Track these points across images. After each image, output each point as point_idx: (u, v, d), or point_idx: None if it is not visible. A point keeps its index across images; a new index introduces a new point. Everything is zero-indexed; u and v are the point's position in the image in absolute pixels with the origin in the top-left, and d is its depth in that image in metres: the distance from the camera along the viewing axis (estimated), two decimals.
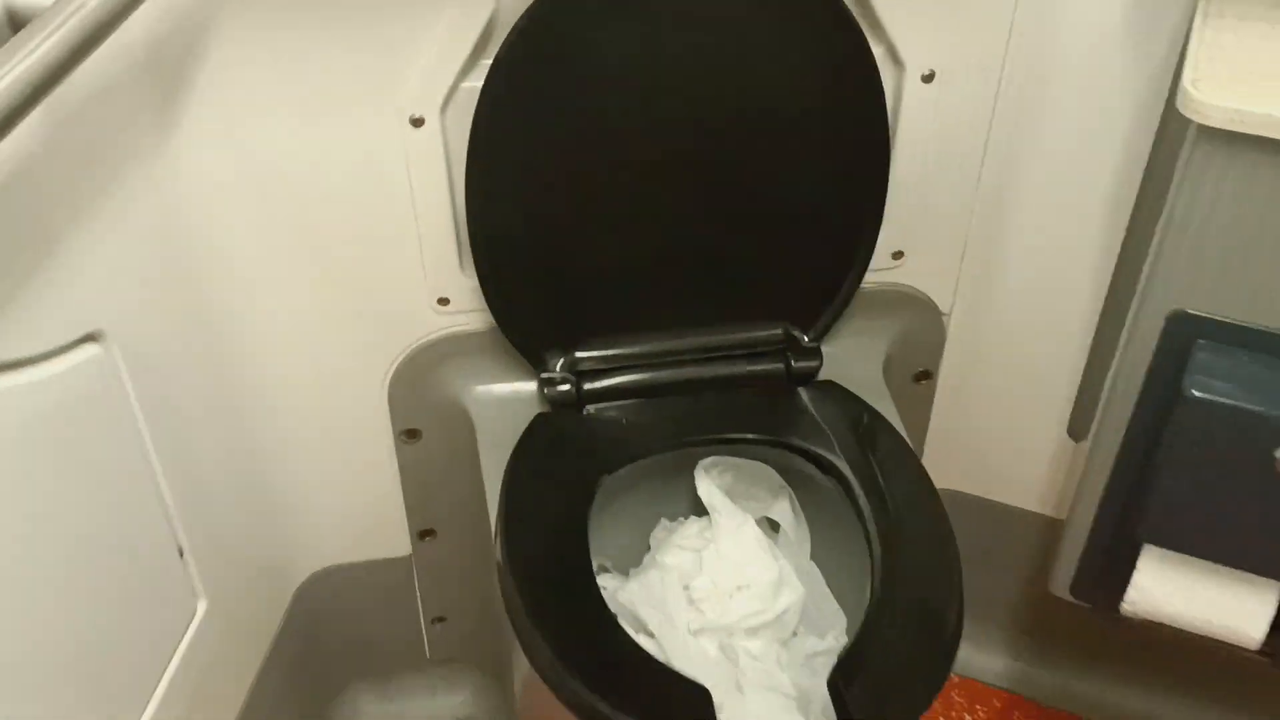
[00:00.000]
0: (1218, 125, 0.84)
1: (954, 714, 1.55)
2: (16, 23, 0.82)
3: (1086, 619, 1.49)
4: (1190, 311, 0.94)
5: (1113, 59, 1.07)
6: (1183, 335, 0.95)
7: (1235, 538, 0.99)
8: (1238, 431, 0.91)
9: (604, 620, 1.04)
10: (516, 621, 1.05)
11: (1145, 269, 0.96)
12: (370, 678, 1.52)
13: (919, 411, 1.39)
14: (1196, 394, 0.92)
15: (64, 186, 0.87)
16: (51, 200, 0.86)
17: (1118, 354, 1.02)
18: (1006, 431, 1.39)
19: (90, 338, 0.92)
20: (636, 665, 1.01)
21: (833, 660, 1.00)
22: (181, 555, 1.11)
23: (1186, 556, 1.04)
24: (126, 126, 0.95)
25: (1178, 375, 0.94)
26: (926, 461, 1.40)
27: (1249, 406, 0.90)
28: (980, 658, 1.58)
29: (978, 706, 1.56)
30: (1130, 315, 0.99)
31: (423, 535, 1.39)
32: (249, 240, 1.09)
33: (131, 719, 1.03)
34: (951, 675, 1.57)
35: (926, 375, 1.37)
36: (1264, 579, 1.03)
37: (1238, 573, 1.03)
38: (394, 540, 1.39)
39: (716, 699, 0.96)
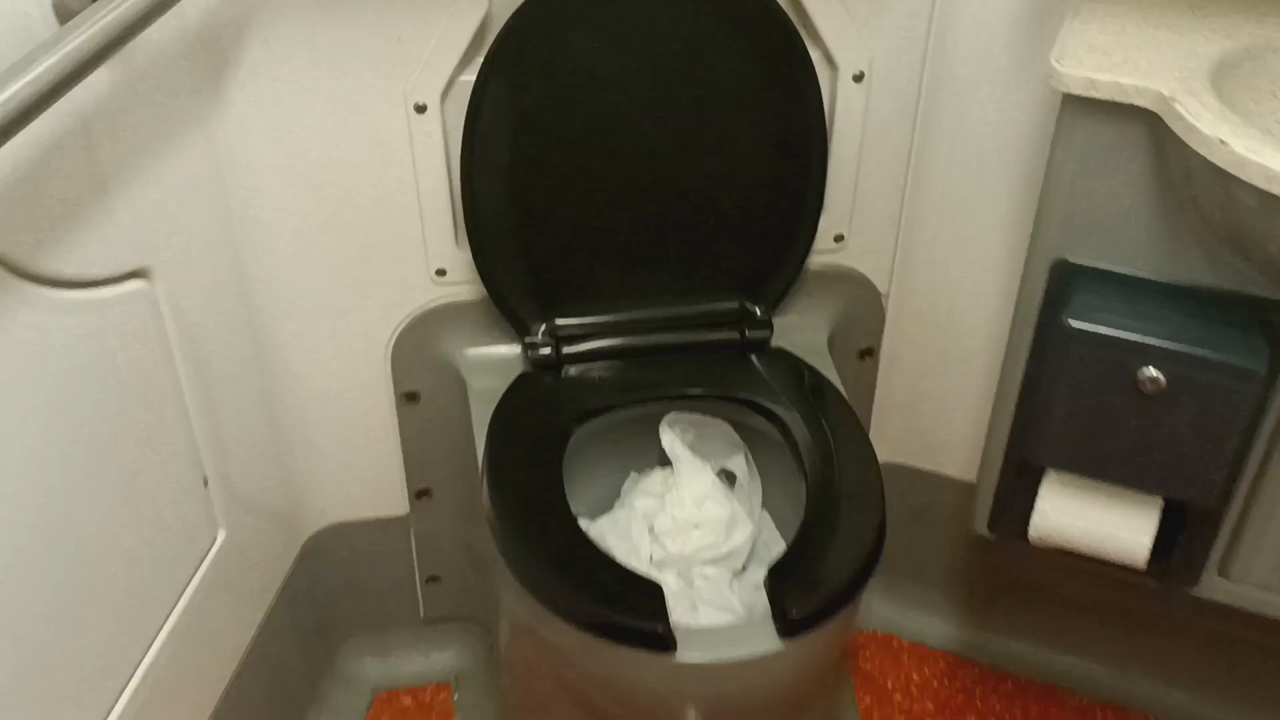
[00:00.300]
0: (1077, 93, 1.02)
1: (900, 675, 1.69)
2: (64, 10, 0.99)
3: (1023, 586, 1.65)
4: (1069, 260, 1.12)
5: (1014, 56, 1.25)
6: (1064, 280, 1.12)
7: (1114, 456, 1.14)
8: (1107, 354, 1.08)
9: (574, 535, 1.20)
10: (500, 541, 1.21)
11: (1033, 224, 1.13)
12: (368, 634, 1.66)
13: (864, 387, 1.55)
14: (1074, 324, 1.09)
15: (128, 136, 1.05)
16: (117, 146, 1.03)
17: (1015, 302, 1.19)
18: (944, 405, 1.54)
19: (138, 274, 1.09)
20: (600, 567, 1.17)
21: None
22: (205, 485, 1.27)
23: (1081, 481, 1.20)
24: (184, 94, 1.13)
25: (1060, 312, 1.11)
26: (873, 435, 1.57)
27: (1115, 333, 1.07)
28: (924, 623, 1.72)
29: (924, 667, 1.70)
30: (1024, 266, 1.16)
31: (419, 495, 1.54)
32: (275, 208, 1.27)
33: (148, 635, 1.18)
34: (898, 639, 1.73)
35: (869, 353, 1.53)
36: (1146, 496, 1.19)
37: (1123, 492, 1.19)
38: (393, 500, 1.54)
39: (671, 606, 1.11)
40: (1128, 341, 1.07)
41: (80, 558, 1.05)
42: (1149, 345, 1.06)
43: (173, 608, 1.22)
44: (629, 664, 1.13)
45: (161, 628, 1.20)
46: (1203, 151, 0.94)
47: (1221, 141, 0.92)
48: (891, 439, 1.60)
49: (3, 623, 0.95)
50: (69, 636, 1.04)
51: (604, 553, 1.19)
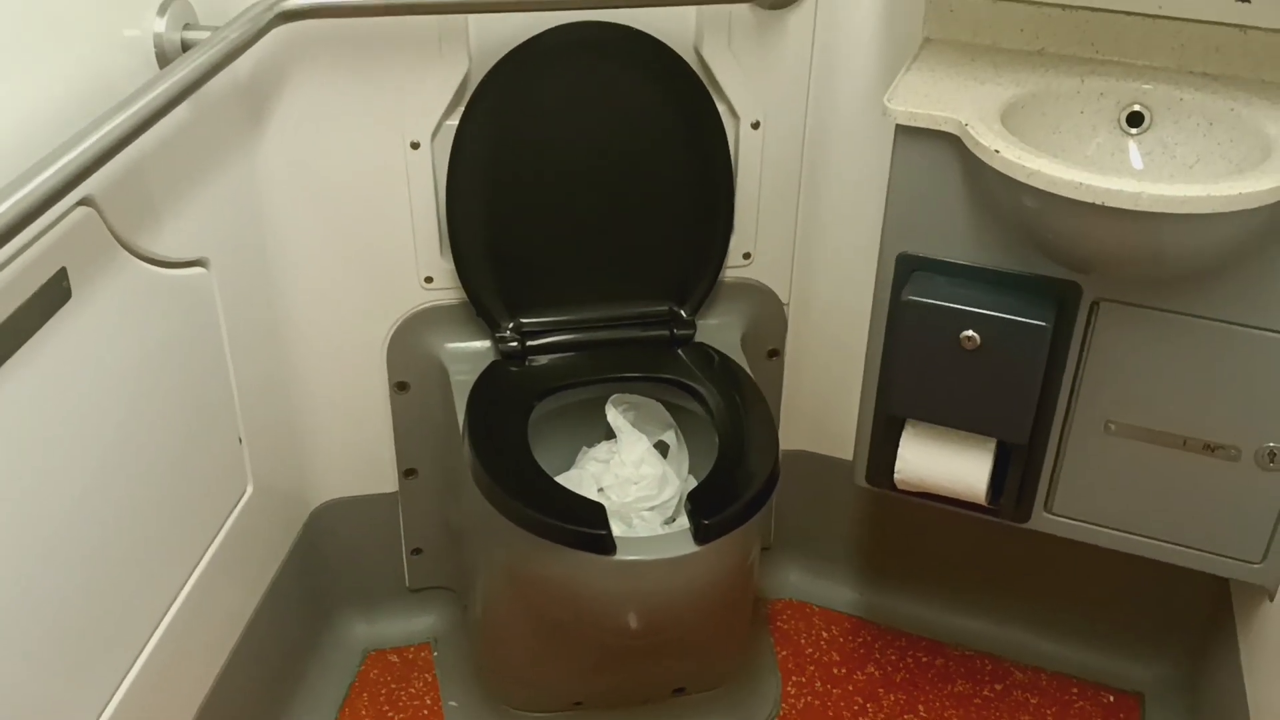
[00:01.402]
0: (903, 123, 1.39)
1: (812, 634, 2.00)
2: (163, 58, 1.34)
3: (913, 556, 1.98)
4: (909, 252, 1.48)
5: (872, 103, 1.62)
6: (905, 268, 1.48)
7: (949, 403, 1.48)
8: (936, 320, 1.43)
9: (536, 473, 1.52)
10: (479, 480, 1.52)
11: (881, 225, 1.49)
12: (360, 599, 1.95)
13: (773, 383, 1.89)
14: (910, 298, 1.44)
15: (195, 155, 1.39)
16: (187, 161, 1.38)
17: (873, 290, 1.54)
18: (841, 396, 1.87)
19: (199, 262, 1.43)
20: (557, 493, 1.49)
21: None
22: (240, 442, 1.58)
23: (930, 430, 1.54)
24: (234, 127, 1.48)
25: (901, 292, 1.46)
26: (781, 426, 1.90)
27: (940, 303, 1.42)
28: (830, 590, 2.04)
29: (832, 627, 2.01)
30: (878, 260, 1.51)
31: (407, 474, 1.86)
32: (296, 223, 1.60)
33: (183, 572, 1.45)
34: (809, 605, 2.04)
35: (776, 353, 1.88)
36: (982, 439, 1.52)
37: (963, 437, 1.53)
38: (385, 478, 1.85)
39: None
40: (950, 309, 1.42)
41: (137, 489, 1.33)
42: (966, 311, 1.41)
43: (208, 546, 1.51)
44: (579, 566, 1.44)
45: (196, 565, 1.48)
46: (985, 159, 1.30)
47: (996, 151, 1.29)
48: (798, 429, 1.93)
49: (66, 550, 1.19)
50: (121, 561, 1.30)
51: (558, 483, 1.51)
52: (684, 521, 1.51)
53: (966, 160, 1.38)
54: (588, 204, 1.67)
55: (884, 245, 1.49)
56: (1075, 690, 1.89)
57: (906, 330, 1.46)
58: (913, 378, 1.49)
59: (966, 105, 1.38)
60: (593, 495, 1.68)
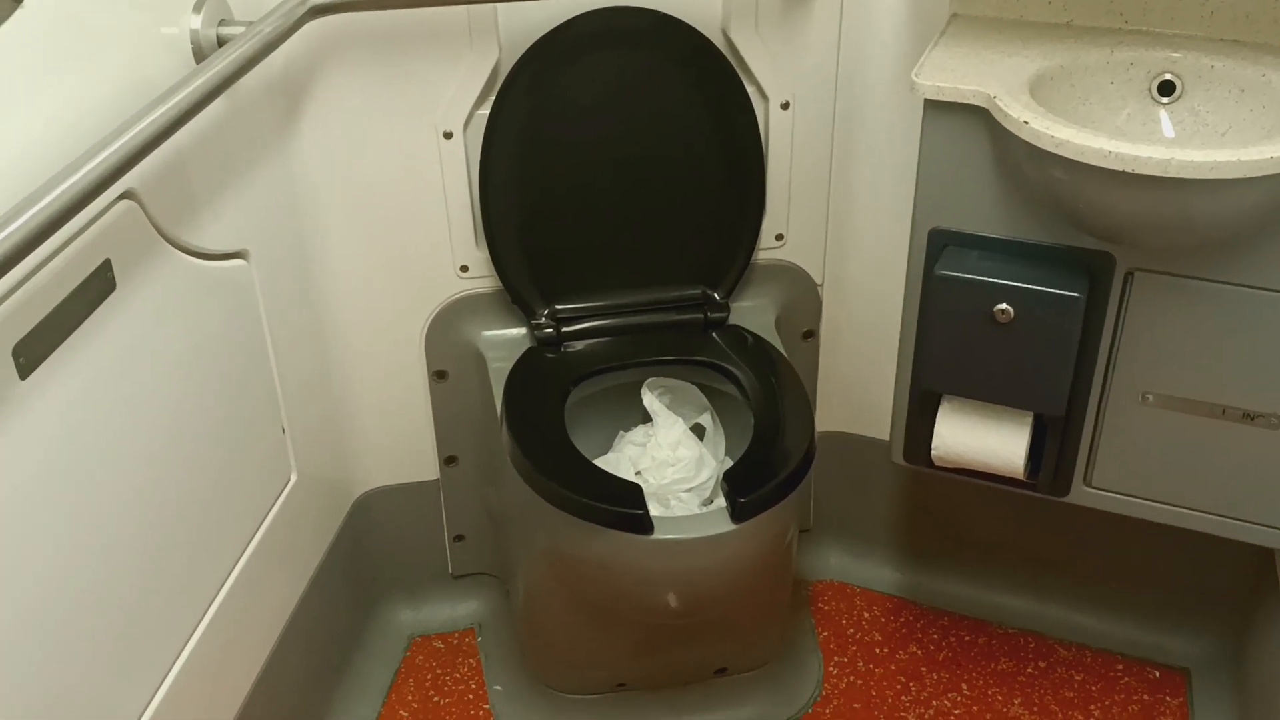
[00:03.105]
0: (932, 97, 1.39)
1: (853, 615, 2.00)
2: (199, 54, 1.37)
3: (952, 534, 1.98)
4: (941, 227, 1.48)
5: (900, 80, 1.62)
6: (937, 243, 1.48)
7: (985, 378, 1.48)
8: (969, 295, 1.43)
9: (573, 455, 1.53)
10: (518, 465, 1.54)
11: (912, 200, 1.49)
12: (404, 586, 1.98)
13: (808, 364, 1.90)
14: (944, 274, 1.44)
15: (232, 149, 1.42)
16: (226, 155, 1.40)
17: (906, 267, 1.54)
18: (876, 376, 1.87)
19: (240, 254, 1.46)
20: (594, 474, 1.51)
21: None
22: (284, 432, 1.61)
23: (966, 405, 1.54)
24: (270, 121, 1.50)
25: (934, 267, 1.46)
26: (818, 408, 1.91)
27: (973, 277, 1.42)
28: (871, 571, 2.05)
29: (873, 607, 2.01)
30: (910, 237, 1.51)
31: (448, 461, 1.88)
32: (333, 215, 1.63)
33: (230, 560, 1.47)
34: (850, 586, 2.05)
35: (810, 334, 1.88)
36: (1019, 413, 1.52)
37: (1000, 411, 1.52)
38: (426, 466, 1.88)
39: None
40: (983, 283, 1.42)
41: (187, 478, 1.36)
42: (999, 284, 1.41)
43: (254, 534, 1.54)
44: (617, 546, 1.46)
45: (242, 553, 1.50)
46: (1014, 131, 1.30)
47: (1024, 122, 1.29)
48: (835, 410, 1.94)
49: (115, 541, 1.21)
50: (173, 547, 1.33)
51: (596, 465, 1.53)
52: (721, 502, 1.52)
53: (996, 133, 1.38)
54: (620, 189, 1.68)
55: (915, 221, 1.49)
56: (1120, 667, 1.88)
57: (940, 305, 1.46)
58: (947, 353, 1.49)
59: (994, 79, 1.38)
60: (630, 478, 1.70)
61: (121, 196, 1.20)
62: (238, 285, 1.46)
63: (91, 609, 1.19)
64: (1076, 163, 1.26)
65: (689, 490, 1.67)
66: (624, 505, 1.44)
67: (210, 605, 1.44)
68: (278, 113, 1.53)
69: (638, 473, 1.71)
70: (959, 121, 1.40)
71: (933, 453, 1.60)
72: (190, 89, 1.20)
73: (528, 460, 1.51)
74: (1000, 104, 1.33)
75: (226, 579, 1.47)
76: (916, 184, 1.47)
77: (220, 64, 1.26)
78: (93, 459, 1.18)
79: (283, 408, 1.60)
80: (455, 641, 1.97)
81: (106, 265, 1.18)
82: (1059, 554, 1.92)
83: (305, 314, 1.65)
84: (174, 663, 1.36)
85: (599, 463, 1.72)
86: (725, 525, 1.44)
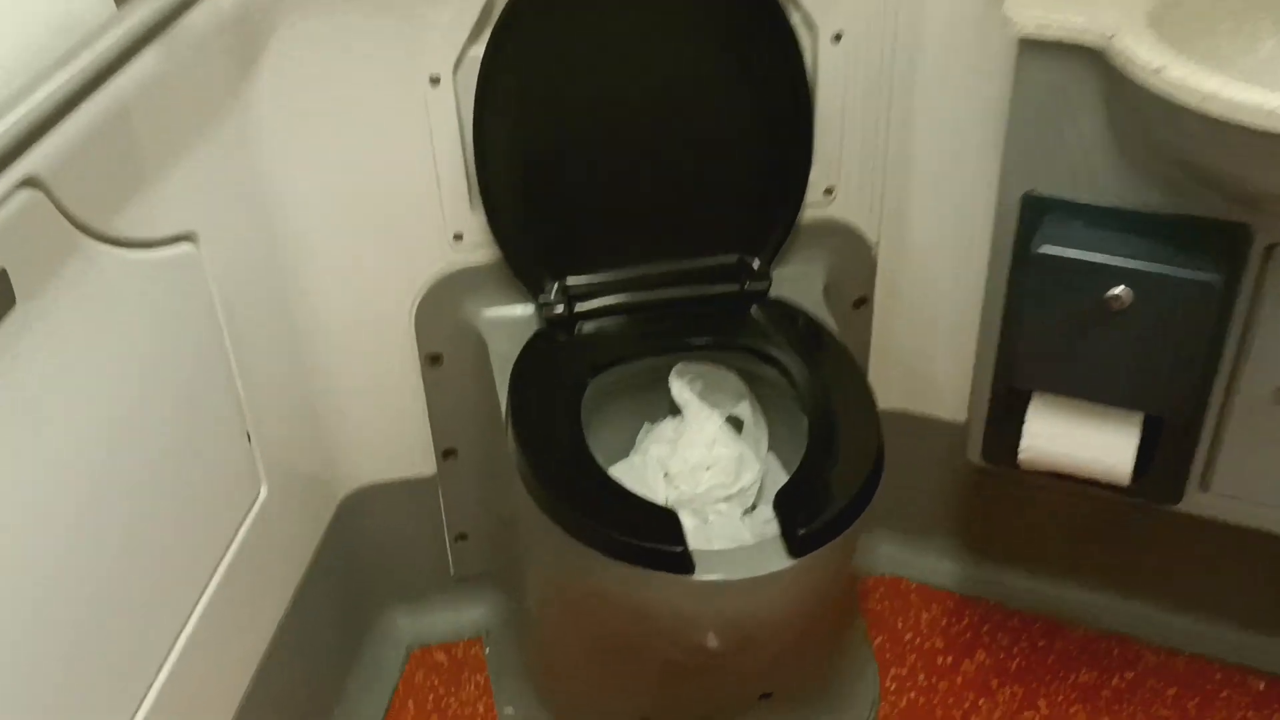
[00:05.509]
0: (1030, 34, 1.11)
1: (910, 615, 1.77)
2: None
3: (1020, 522, 1.74)
4: (1037, 192, 1.21)
5: (977, 10, 1.34)
6: (1033, 211, 1.21)
7: (1091, 374, 1.23)
8: (1076, 277, 1.17)
9: (596, 474, 1.29)
10: (528, 483, 1.30)
11: (1000, 161, 1.22)
12: (402, 592, 1.75)
13: (861, 334, 1.64)
14: (1044, 251, 1.18)
15: (172, 111, 1.15)
16: (163, 120, 1.13)
17: (990, 236, 1.28)
18: (937, 349, 1.62)
19: (186, 238, 1.19)
20: (622, 500, 1.26)
21: None
22: (249, 440, 1.37)
23: (1064, 402, 1.29)
24: (219, 74, 1.23)
25: (1031, 242, 1.20)
26: (872, 381, 1.65)
27: (1082, 255, 1.16)
28: (929, 564, 1.81)
29: (932, 605, 1.78)
30: (995, 201, 1.25)
31: (446, 455, 1.64)
32: (302, 179, 1.36)
33: (195, 591, 1.25)
34: (906, 581, 1.81)
35: (863, 301, 1.62)
36: (1126, 413, 1.27)
37: (1104, 411, 1.27)
38: (421, 460, 1.64)
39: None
40: (1093, 263, 1.16)
41: (133, 510, 1.13)
42: (1113, 266, 1.15)
43: (218, 563, 1.30)
44: (653, 586, 1.21)
45: (207, 585, 1.27)
46: (1140, 81, 1.03)
47: (1158, 70, 1.01)
48: (889, 386, 1.68)
49: (61, 574, 1.02)
50: (123, 589, 1.12)
51: (624, 488, 1.28)
52: (770, 519, 1.27)
53: (1110, 79, 1.10)
54: (639, 140, 1.41)
55: (1004, 184, 1.23)
56: (1219, 676, 1.65)
57: (1038, 288, 1.21)
58: (1044, 345, 1.24)
59: (1107, 9, 1.10)
60: (659, 484, 1.46)
61: (21, 185, 0.94)
62: (183, 275, 1.20)
63: (37, 659, 0.99)
64: (1226, 122, 0.99)
65: (728, 497, 1.43)
66: (659, 540, 1.19)
67: (174, 644, 1.21)
68: (229, 61, 1.25)
69: (665, 475, 1.46)
70: (1063, 64, 1.13)
71: (1020, 455, 1.35)
72: (108, 41, 0.96)
73: (542, 485, 1.26)
74: (1120, 45, 1.05)
75: (191, 613, 1.24)
76: (1006, 139, 1.21)
77: (148, 6, 1.01)
78: (22, 501, 0.96)
79: (246, 412, 1.35)
80: (459, 654, 1.75)
81: (1, 276, 0.92)
82: (1145, 545, 1.67)
83: (271, 299, 1.40)
84: (136, 712, 1.14)
85: (622, 466, 1.48)
86: (781, 561, 1.18)
